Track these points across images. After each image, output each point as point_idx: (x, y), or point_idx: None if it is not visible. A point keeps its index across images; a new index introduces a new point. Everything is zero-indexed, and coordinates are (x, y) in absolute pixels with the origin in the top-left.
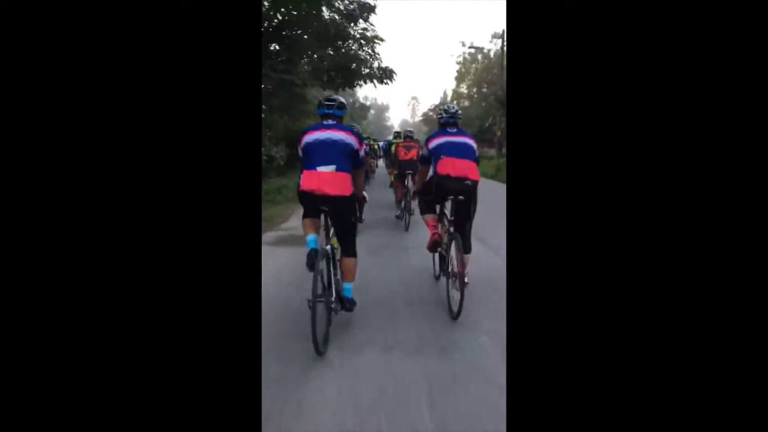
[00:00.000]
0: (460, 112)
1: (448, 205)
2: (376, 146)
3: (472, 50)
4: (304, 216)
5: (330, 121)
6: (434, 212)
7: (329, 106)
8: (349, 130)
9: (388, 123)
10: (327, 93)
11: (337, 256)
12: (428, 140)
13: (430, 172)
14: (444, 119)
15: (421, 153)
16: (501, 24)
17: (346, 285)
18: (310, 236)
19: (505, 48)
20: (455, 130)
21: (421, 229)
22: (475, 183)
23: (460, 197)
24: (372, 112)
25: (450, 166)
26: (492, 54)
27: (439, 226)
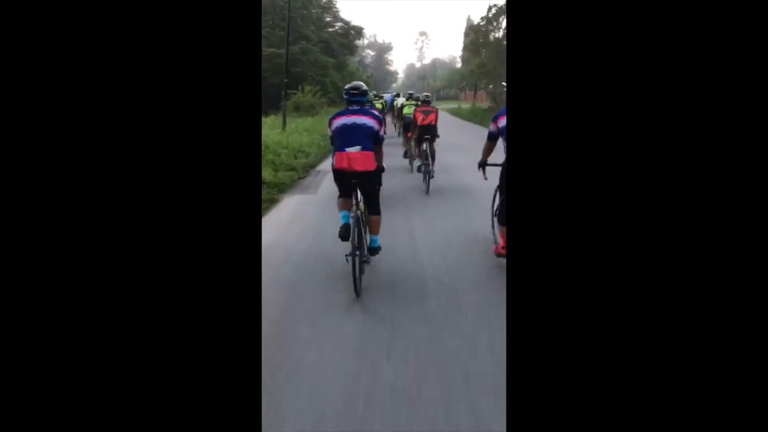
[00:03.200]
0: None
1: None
2: (381, 104)
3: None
4: (339, 195)
5: (354, 107)
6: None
7: (353, 95)
8: (371, 114)
9: (392, 67)
10: None
11: (365, 218)
12: (497, 117)
13: (500, 156)
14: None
15: (489, 129)
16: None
17: (373, 237)
18: (343, 212)
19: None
20: None
21: (442, 193)
22: None
23: None
24: (370, 53)
25: None
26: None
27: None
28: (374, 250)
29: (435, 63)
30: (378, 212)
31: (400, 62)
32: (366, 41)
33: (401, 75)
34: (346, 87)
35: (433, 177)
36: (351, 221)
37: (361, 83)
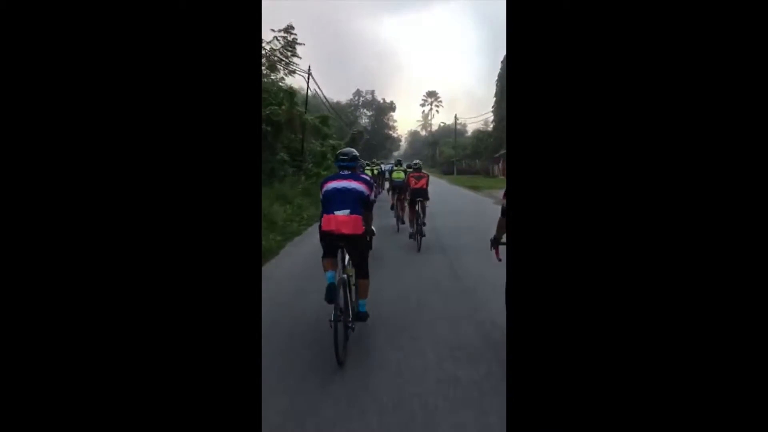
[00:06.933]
0: None
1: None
2: (377, 170)
3: None
4: (324, 256)
5: (345, 172)
6: None
7: (343, 160)
8: (361, 179)
9: (394, 133)
10: None
11: (353, 281)
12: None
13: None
14: None
15: (502, 205)
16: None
17: (361, 301)
18: (329, 273)
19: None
20: None
21: (431, 254)
22: None
23: None
24: (366, 113)
25: None
26: None
27: None
28: (362, 315)
29: (444, 128)
30: (366, 276)
31: (405, 121)
32: (361, 98)
33: (403, 143)
34: (337, 152)
35: (424, 236)
36: (337, 283)
37: (352, 149)
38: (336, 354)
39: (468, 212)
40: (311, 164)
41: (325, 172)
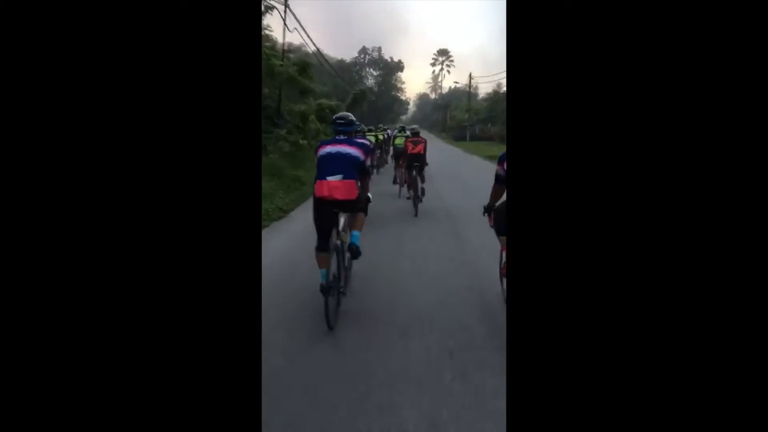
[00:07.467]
0: None
1: None
2: (383, 136)
3: None
4: (317, 247)
5: (341, 137)
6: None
7: (340, 124)
8: (357, 144)
9: (403, 96)
10: None
11: (346, 250)
12: (503, 159)
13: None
14: None
15: (497, 172)
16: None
17: (355, 232)
18: (322, 270)
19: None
20: None
21: (431, 217)
22: None
23: None
24: (373, 72)
25: None
26: None
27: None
28: (354, 249)
29: (454, 89)
30: (365, 212)
31: (414, 82)
32: (367, 56)
33: (411, 106)
34: (334, 116)
35: (422, 201)
36: (330, 258)
37: (348, 114)
38: (327, 319)
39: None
40: (285, 130)
41: (306, 142)
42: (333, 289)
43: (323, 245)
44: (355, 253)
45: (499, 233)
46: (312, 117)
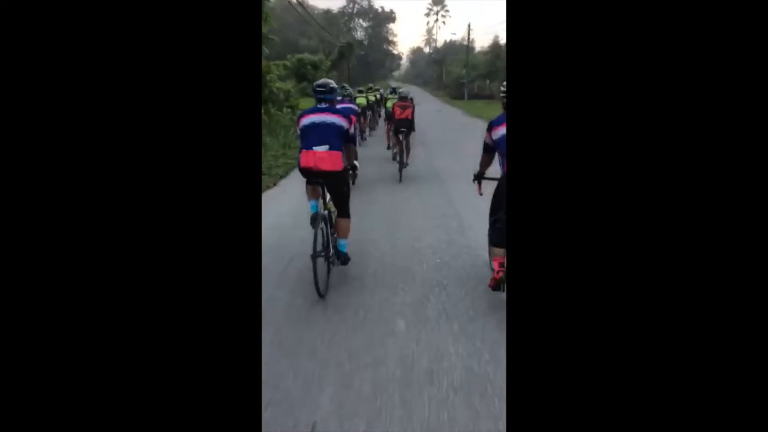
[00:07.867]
0: None
1: None
2: (374, 97)
3: None
4: (307, 183)
5: (323, 105)
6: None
7: (321, 92)
8: (339, 112)
9: (395, 50)
10: None
11: (333, 219)
12: (492, 127)
13: (497, 169)
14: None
15: (485, 140)
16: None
17: (341, 241)
18: (312, 201)
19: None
20: None
21: (416, 183)
22: None
23: None
24: (362, 24)
25: None
26: None
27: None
28: (342, 256)
29: (449, 44)
30: (347, 215)
31: (407, 35)
32: (356, 5)
33: (404, 62)
34: (314, 83)
35: (407, 166)
36: (318, 214)
37: (330, 80)
38: (317, 288)
39: None
40: None
41: (264, 110)
42: (321, 258)
43: (311, 183)
44: (345, 261)
45: (491, 242)
46: (272, 76)
